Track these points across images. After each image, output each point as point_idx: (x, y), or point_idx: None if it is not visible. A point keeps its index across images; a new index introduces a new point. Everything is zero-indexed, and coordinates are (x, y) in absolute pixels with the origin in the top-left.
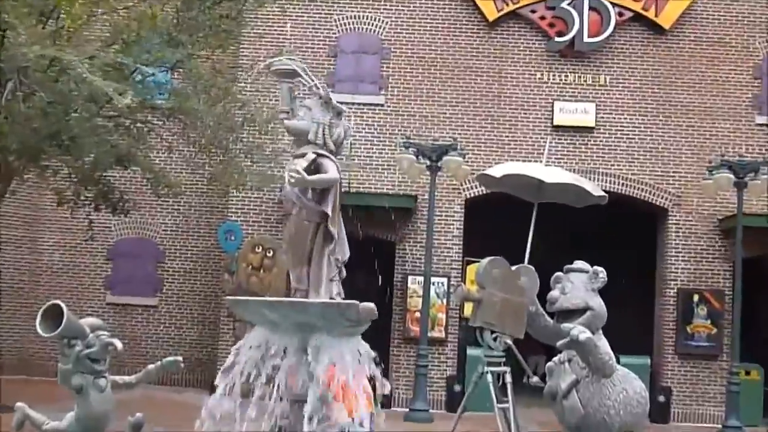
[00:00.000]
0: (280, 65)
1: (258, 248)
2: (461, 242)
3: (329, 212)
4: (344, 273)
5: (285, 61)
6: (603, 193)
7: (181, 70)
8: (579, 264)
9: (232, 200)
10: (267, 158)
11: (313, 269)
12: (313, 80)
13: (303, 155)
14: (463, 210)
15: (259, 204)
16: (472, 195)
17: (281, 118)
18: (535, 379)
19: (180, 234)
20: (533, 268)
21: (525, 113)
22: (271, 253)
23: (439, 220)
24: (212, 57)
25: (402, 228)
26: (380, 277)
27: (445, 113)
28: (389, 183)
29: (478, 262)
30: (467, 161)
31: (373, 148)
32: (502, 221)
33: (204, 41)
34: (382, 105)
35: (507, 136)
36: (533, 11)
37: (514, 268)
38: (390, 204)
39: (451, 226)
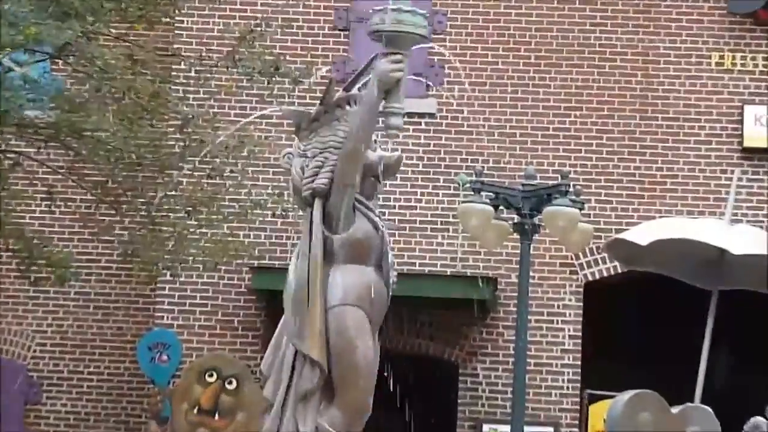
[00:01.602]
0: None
1: (210, 375)
2: (578, 361)
3: None
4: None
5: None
6: None
7: (71, 58)
8: None
9: (162, 289)
10: (224, 217)
11: None
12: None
13: None
14: (580, 304)
15: (211, 293)
16: (597, 276)
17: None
18: None
19: (66, 351)
20: (710, 410)
21: (691, 126)
22: (233, 383)
23: (537, 321)
24: (130, 39)
25: (469, 337)
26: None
27: (546, 130)
28: (444, 256)
29: (611, 397)
30: (587, 215)
31: (417, 192)
32: (649, 323)
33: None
34: (434, 116)
35: (658, 167)
36: None
37: (675, 409)
38: (444, 293)
39: (560, 334)
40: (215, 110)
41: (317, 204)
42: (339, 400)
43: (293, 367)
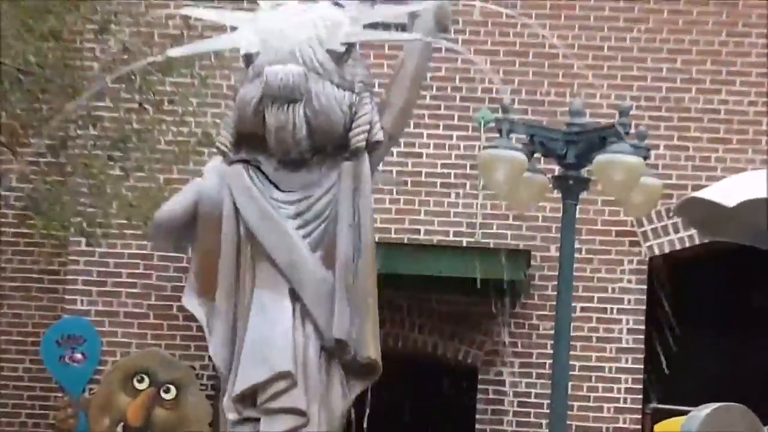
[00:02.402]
0: None
1: (140, 381)
2: (639, 365)
3: None
4: None
5: None
6: None
7: None
8: None
9: (75, 263)
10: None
11: None
12: None
13: None
14: (643, 287)
15: (141, 269)
16: (665, 249)
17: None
18: None
19: None
20: None
21: None
22: (171, 392)
23: (584, 311)
24: None
25: (491, 332)
26: None
27: (598, 50)
28: (458, 221)
29: (684, 414)
30: (654, 166)
31: (422, 135)
32: (736, 314)
33: None
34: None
35: (751, 101)
36: None
37: None
38: (459, 272)
39: (615, 328)
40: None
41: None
42: None
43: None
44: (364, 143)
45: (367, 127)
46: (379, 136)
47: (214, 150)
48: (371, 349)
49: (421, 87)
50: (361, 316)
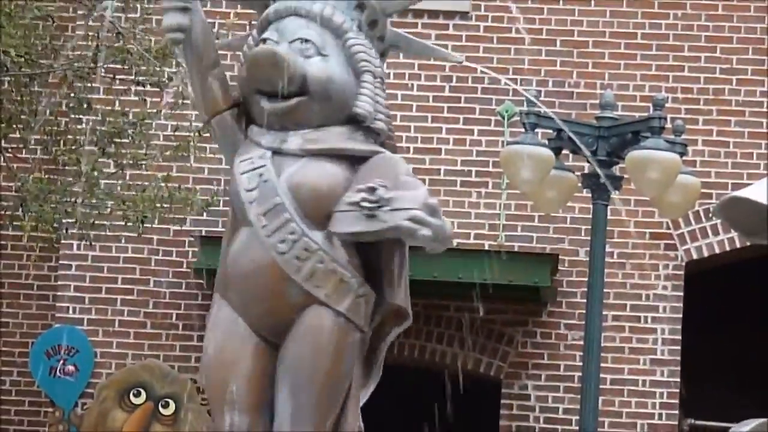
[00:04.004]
0: None
1: (136, 395)
2: (676, 377)
3: None
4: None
5: None
6: None
7: None
8: None
9: (67, 268)
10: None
11: None
12: None
13: None
14: (680, 294)
15: (138, 274)
16: (704, 253)
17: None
18: None
19: None
20: None
21: None
22: (170, 407)
23: (615, 319)
24: None
25: (516, 342)
26: None
27: (631, 37)
28: (479, 223)
29: (725, 430)
30: (692, 162)
31: (440, 129)
32: None
33: None
34: (467, 16)
35: None
36: None
37: None
38: (479, 278)
39: (649, 338)
40: None
41: None
42: None
43: None
44: None
45: None
46: None
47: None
48: None
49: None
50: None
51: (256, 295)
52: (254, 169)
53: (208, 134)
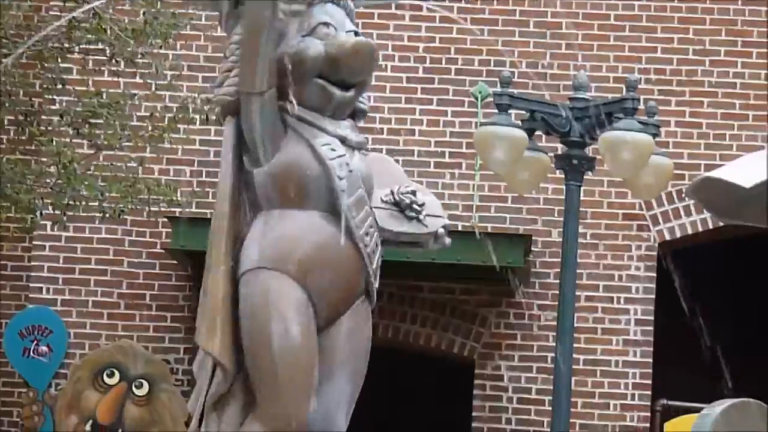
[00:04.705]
0: None
1: (110, 376)
2: (648, 358)
3: None
4: None
5: None
6: None
7: None
8: None
9: (41, 249)
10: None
11: None
12: None
13: None
14: (653, 275)
15: (111, 255)
16: (677, 234)
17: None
18: None
19: None
20: None
21: None
22: (144, 387)
23: (588, 300)
24: None
25: (489, 323)
26: None
27: (604, 18)
28: (453, 204)
29: (697, 411)
30: (665, 143)
31: (414, 110)
32: (754, 303)
33: None
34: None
35: None
36: None
37: None
38: (453, 258)
39: (622, 318)
40: None
41: (228, 125)
42: (257, 409)
43: (214, 366)
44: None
45: None
46: None
47: (193, 125)
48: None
49: (253, 55)
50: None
51: (338, 284)
52: (339, 156)
53: (182, 115)
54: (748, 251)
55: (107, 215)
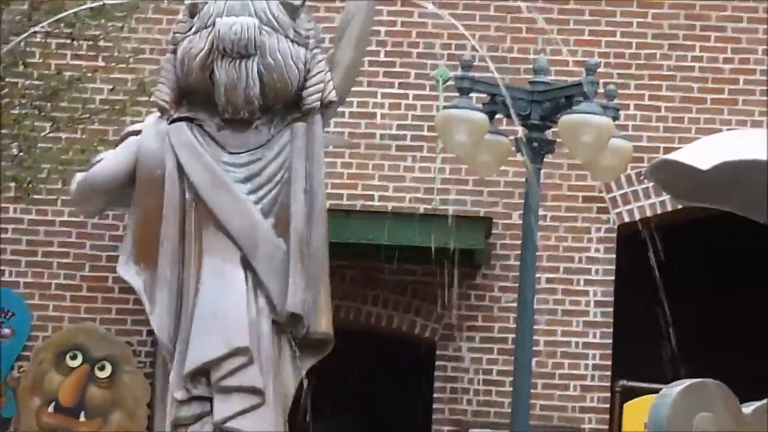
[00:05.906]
0: None
1: (73, 358)
2: (608, 339)
3: None
4: None
5: None
6: None
7: None
8: None
9: (4, 231)
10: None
11: None
12: None
13: None
14: (612, 256)
15: (74, 237)
16: (636, 216)
17: None
18: None
19: None
20: None
21: None
22: (106, 370)
23: (549, 282)
24: None
25: (450, 305)
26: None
27: (564, 2)
28: (414, 187)
29: (656, 391)
30: (624, 126)
31: (376, 94)
32: (713, 285)
33: None
34: None
35: (727, 57)
36: None
37: (749, 407)
38: (414, 240)
39: (582, 300)
40: None
41: (317, 125)
42: None
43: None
44: (318, 103)
45: (321, 86)
46: (332, 95)
47: (154, 107)
48: (324, 324)
49: (367, 45)
50: (315, 288)
51: None
52: None
53: (145, 97)
54: (707, 233)
55: (66, 186)
